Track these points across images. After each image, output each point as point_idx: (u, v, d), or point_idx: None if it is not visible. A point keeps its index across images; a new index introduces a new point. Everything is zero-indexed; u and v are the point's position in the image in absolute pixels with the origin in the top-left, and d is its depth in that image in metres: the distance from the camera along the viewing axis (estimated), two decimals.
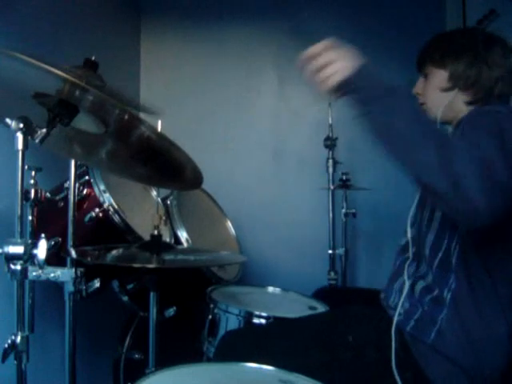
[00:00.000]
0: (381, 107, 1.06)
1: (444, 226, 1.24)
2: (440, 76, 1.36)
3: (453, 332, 1.18)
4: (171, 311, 1.70)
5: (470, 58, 1.32)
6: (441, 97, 1.36)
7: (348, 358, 1.24)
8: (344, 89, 1.09)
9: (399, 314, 1.26)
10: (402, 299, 1.26)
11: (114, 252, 1.49)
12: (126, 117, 1.05)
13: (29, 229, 1.27)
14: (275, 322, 1.56)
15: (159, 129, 1.33)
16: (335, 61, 1.09)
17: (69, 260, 1.33)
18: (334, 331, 1.33)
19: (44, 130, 1.05)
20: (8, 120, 1.01)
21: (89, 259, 1.38)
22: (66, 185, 1.51)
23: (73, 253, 1.34)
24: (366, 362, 1.23)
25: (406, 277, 1.29)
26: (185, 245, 1.84)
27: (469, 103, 1.34)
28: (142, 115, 1.21)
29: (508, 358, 1.19)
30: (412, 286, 1.28)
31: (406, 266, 1.31)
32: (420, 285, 1.27)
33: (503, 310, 1.20)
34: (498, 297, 1.20)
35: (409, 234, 1.34)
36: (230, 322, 1.60)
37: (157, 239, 1.48)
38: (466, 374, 1.17)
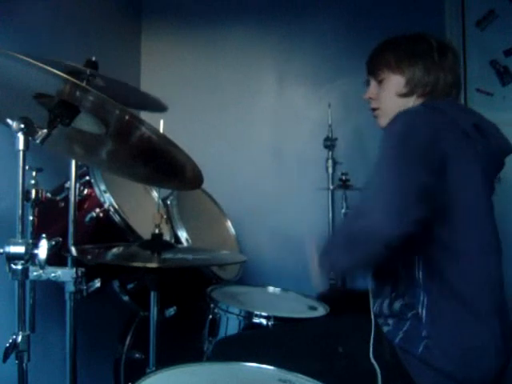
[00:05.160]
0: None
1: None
2: (397, 81, 1.36)
3: (439, 345, 1.18)
4: (171, 311, 1.70)
5: (427, 64, 1.33)
6: (398, 102, 1.36)
7: (341, 367, 1.24)
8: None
9: (388, 325, 1.26)
10: (384, 314, 1.28)
11: (115, 250, 1.50)
12: (127, 117, 1.06)
13: (30, 229, 1.28)
14: (267, 330, 1.56)
15: (161, 129, 1.34)
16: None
17: (69, 260, 1.34)
18: (326, 341, 1.34)
19: (45, 131, 1.05)
20: (9, 120, 1.01)
21: (89, 257, 1.38)
22: (66, 185, 1.51)
23: (73, 250, 1.34)
24: (358, 370, 1.23)
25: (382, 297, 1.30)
26: (185, 245, 1.84)
27: None
28: (142, 115, 1.21)
29: (496, 365, 1.20)
30: (390, 305, 1.27)
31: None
32: (399, 303, 1.25)
33: (483, 317, 1.20)
34: (474, 306, 1.20)
35: None
36: (231, 321, 1.61)
37: (158, 237, 1.48)
38: (456, 383, 1.17)
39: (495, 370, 1.20)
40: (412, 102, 1.35)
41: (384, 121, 1.40)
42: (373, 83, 1.42)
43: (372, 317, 1.28)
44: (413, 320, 1.22)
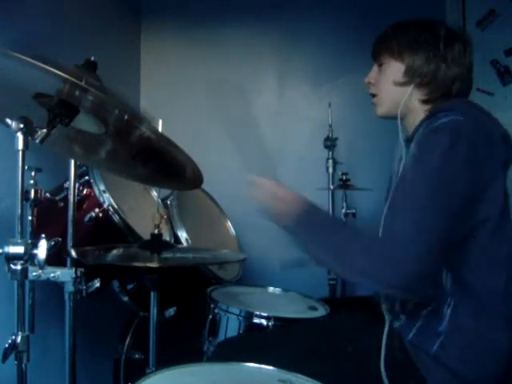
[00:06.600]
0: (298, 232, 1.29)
1: None
2: (396, 69, 1.30)
3: (455, 345, 1.17)
4: (171, 311, 1.70)
5: (429, 53, 1.27)
6: (394, 91, 1.31)
7: (349, 368, 1.22)
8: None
9: (399, 319, 1.24)
10: (395, 311, 1.26)
11: (115, 251, 1.50)
12: (126, 117, 1.05)
13: (29, 229, 1.28)
14: (273, 329, 1.55)
15: (160, 128, 1.34)
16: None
17: (69, 260, 1.33)
18: (334, 341, 1.32)
19: (44, 130, 1.05)
20: (8, 120, 1.01)
21: (89, 259, 1.38)
22: (65, 185, 1.51)
23: (73, 253, 1.34)
24: (367, 371, 1.21)
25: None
26: (185, 245, 1.84)
27: (423, 101, 1.30)
28: (141, 115, 1.21)
29: (509, 370, 1.18)
30: (403, 305, 1.26)
31: None
32: (412, 302, 1.23)
33: (501, 321, 1.19)
34: (497, 309, 1.19)
35: None
36: (231, 321, 1.60)
37: (157, 238, 1.48)
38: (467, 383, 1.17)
39: (506, 370, 1.19)
40: (409, 92, 1.29)
41: (381, 110, 1.37)
42: (374, 68, 1.38)
43: (386, 319, 1.24)
44: (426, 317, 1.20)
